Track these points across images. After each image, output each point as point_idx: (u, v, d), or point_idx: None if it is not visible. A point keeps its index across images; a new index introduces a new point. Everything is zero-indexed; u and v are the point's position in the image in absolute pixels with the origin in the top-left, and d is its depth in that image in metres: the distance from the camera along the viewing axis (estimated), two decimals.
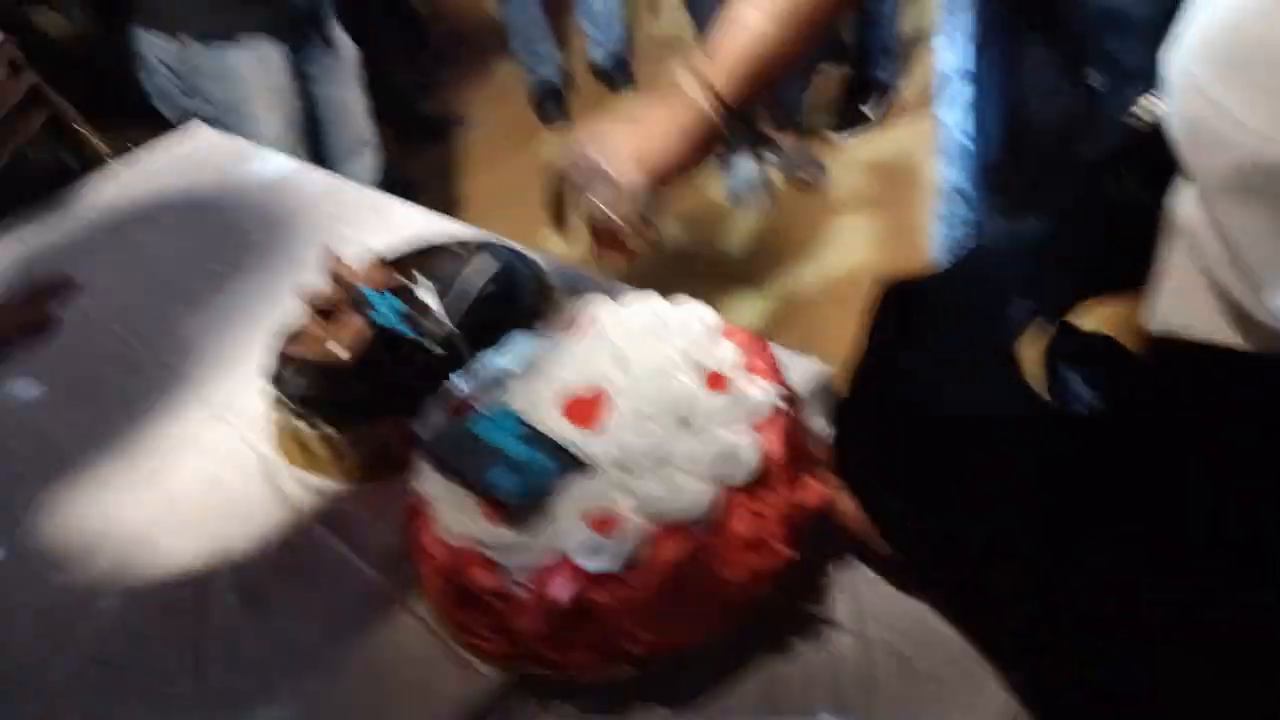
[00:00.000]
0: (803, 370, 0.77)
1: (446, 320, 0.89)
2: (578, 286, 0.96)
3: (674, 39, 3.40)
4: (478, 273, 0.93)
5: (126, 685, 0.71)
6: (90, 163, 1.40)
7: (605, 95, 3.32)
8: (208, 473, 0.87)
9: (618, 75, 3.28)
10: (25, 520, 0.85)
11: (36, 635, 0.76)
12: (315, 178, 1.31)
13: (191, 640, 0.72)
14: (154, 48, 1.76)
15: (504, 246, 0.98)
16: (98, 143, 1.36)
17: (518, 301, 0.90)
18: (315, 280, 0.95)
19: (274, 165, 1.34)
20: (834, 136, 2.81)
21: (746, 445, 0.62)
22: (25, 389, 1.02)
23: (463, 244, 1.00)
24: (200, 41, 1.76)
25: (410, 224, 1.16)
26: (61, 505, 0.87)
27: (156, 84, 1.80)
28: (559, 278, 0.95)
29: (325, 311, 0.90)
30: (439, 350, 0.85)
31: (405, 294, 0.91)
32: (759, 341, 0.71)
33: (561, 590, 0.60)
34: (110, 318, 1.10)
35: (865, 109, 2.83)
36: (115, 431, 0.94)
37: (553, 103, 3.22)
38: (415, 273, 0.94)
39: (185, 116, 1.64)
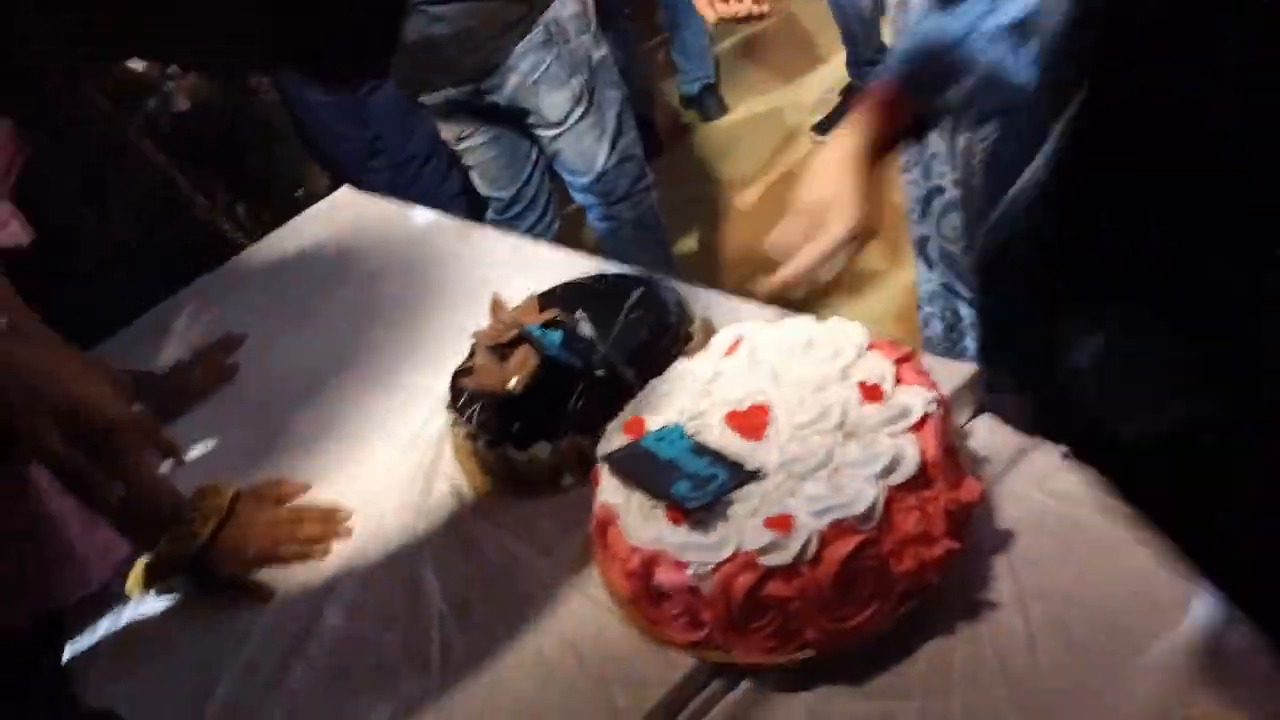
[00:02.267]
0: (948, 372, 0.82)
1: (602, 347, 0.97)
2: (714, 309, 1.04)
3: (751, 52, 3.48)
4: (624, 300, 1.02)
5: (359, 690, 0.80)
6: (250, 232, 1.55)
7: (697, 125, 3.41)
8: (402, 499, 0.97)
9: (710, 104, 3.38)
10: None
11: (273, 649, 0.86)
12: (453, 227, 1.42)
13: (413, 644, 0.82)
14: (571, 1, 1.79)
15: (642, 275, 1.07)
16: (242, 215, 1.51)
17: (663, 324, 0.98)
18: (482, 320, 1.06)
19: (419, 219, 1.46)
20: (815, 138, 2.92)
21: (906, 447, 0.68)
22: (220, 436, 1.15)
23: (603, 275, 1.09)
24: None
25: (550, 263, 1.25)
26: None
27: (573, 50, 1.81)
28: (696, 302, 1.03)
29: (495, 347, 1.00)
30: (600, 373, 0.94)
31: (563, 326, 1.01)
32: (906, 351, 0.77)
33: (743, 583, 0.67)
34: (292, 364, 1.23)
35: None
36: (316, 465, 1.06)
37: (646, 136, 3.33)
38: (569, 306, 1.04)
39: None
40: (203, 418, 1.18)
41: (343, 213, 1.51)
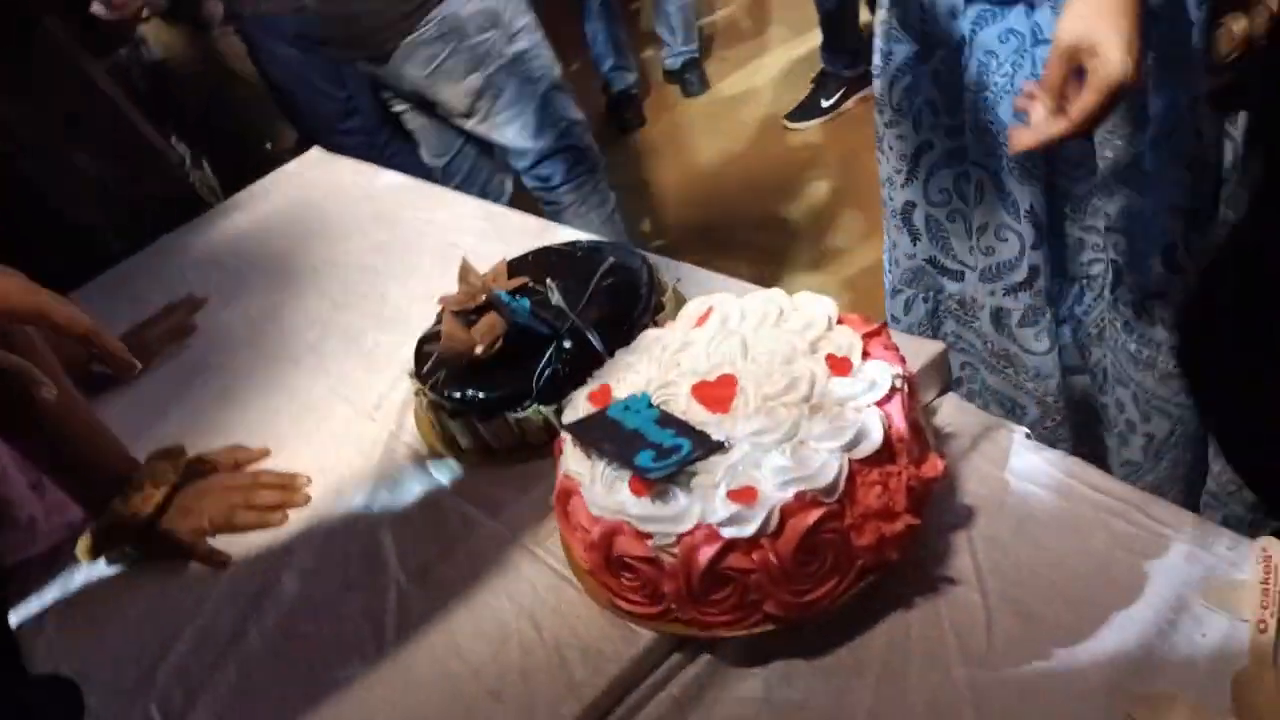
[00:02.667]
0: (916, 349, 0.82)
1: (571, 315, 0.96)
2: (686, 280, 1.03)
3: (735, 26, 3.46)
4: (594, 269, 1.01)
5: (314, 654, 0.79)
6: (217, 189, 1.52)
7: (679, 99, 3.39)
8: (363, 465, 0.96)
9: (692, 79, 3.35)
10: None
11: (230, 611, 0.85)
12: (429, 191, 1.40)
13: (370, 609, 0.81)
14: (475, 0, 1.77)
15: (613, 243, 1.06)
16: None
17: (633, 294, 0.97)
18: (451, 286, 1.04)
19: (390, 181, 1.43)
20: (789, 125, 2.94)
21: (871, 421, 0.68)
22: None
23: (575, 243, 1.08)
24: None
25: (523, 230, 1.24)
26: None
27: (472, 48, 1.79)
28: (668, 273, 1.02)
29: (462, 313, 0.98)
30: (568, 342, 0.93)
31: (532, 293, 0.99)
32: (875, 325, 0.77)
33: (704, 555, 0.67)
34: (255, 327, 1.21)
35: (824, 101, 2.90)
36: (271, 430, 1.04)
37: (631, 110, 3.31)
38: (538, 273, 1.02)
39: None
40: (160, 379, 1.16)
41: (312, 173, 1.48)
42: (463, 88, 1.83)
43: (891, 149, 1.10)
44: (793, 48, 3.35)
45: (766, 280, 0.90)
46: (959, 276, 1.12)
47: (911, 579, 0.71)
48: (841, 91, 2.88)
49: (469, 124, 1.89)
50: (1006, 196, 1.05)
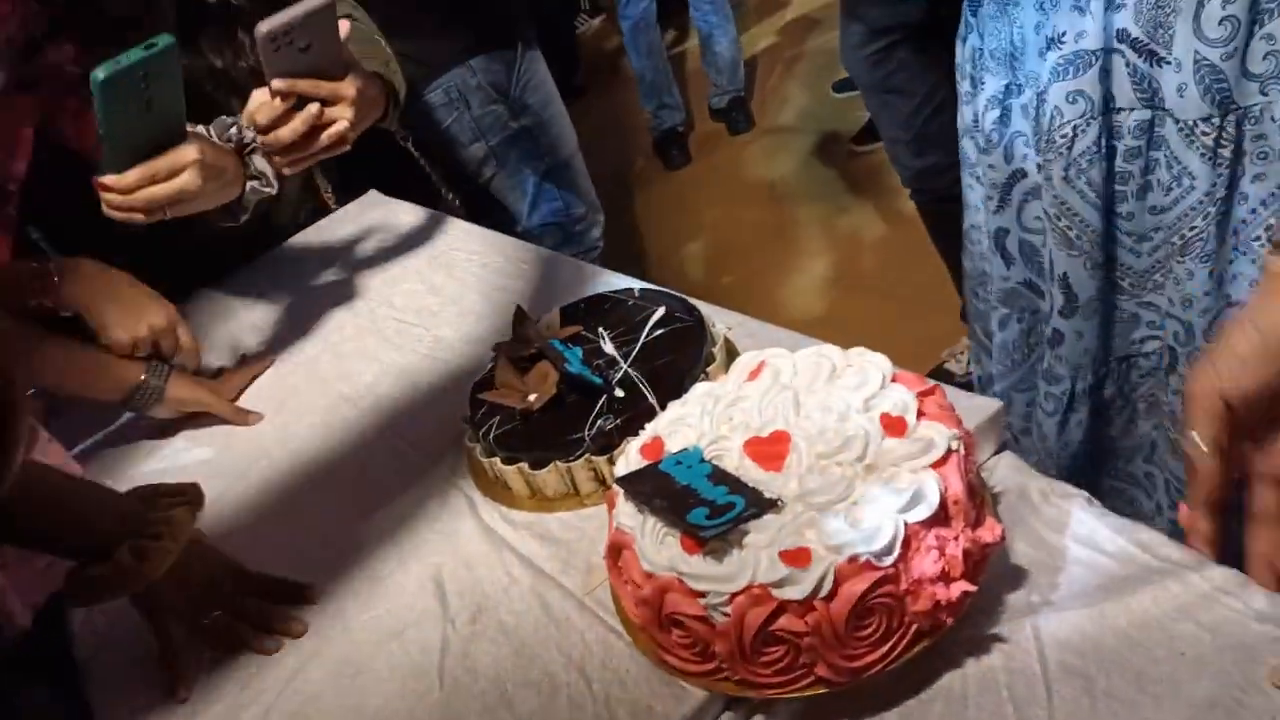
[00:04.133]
0: (971, 407, 0.81)
1: (623, 364, 0.97)
2: (736, 330, 1.03)
3: (784, 88, 3.48)
4: (646, 319, 1.02)
5: (367, 695, 0.80)
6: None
7: (724, 137, 3.42)
8: (415, 507, 0.97)
9: (739, 118, 3.38)
10: (257, 546, 0.97)
11: (283, 653, 0.86)
12: (483, 235, 1.42)
13: (421, 653, 0.81)
14: (483, 74, 1.80)
15: (667, 292, 1.07)
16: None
17: (686, 343, 0.98)
18: (502, 332, 1.06)
19: (444, 223, 1.46)
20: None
21: (928, 483, 0.67)
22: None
23: (629, 291, 1.09)
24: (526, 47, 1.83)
25: (576, 276, 1.25)
26: (288, 536, 0.99)
27: (476, 118, 1.85)
28: (719, 322, 1.02)
29: (516, 361, 0.99)
30: (620, 392, 0.94)
31: (585, 341, 1.00)
32: (930, 385, 0.76)
33: (756, 616, 0.66)
34: (313, 366, 1.23)
35: None
36: (329, 470, 1.06)
37: (677, 148, 3.34)
38: (591, 322, 1.03)
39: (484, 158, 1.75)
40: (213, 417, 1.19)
41: (370, 215, 1.52)
42: (466, 154, 1.88)
43: (981, 177, 1.08)
44: (838, 72, 3.37)
45: (830, 317, 0.90)
46: (1064, 311, 1.07)
47: (968, 645, 0.70)
48: None
49: (474, 185, 1.93)
50: (1050, 251, 1.03)
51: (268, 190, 1.12)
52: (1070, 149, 0.93)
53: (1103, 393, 1.07)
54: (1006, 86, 0.99)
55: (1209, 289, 0.94)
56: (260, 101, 1.05)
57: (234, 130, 1.09)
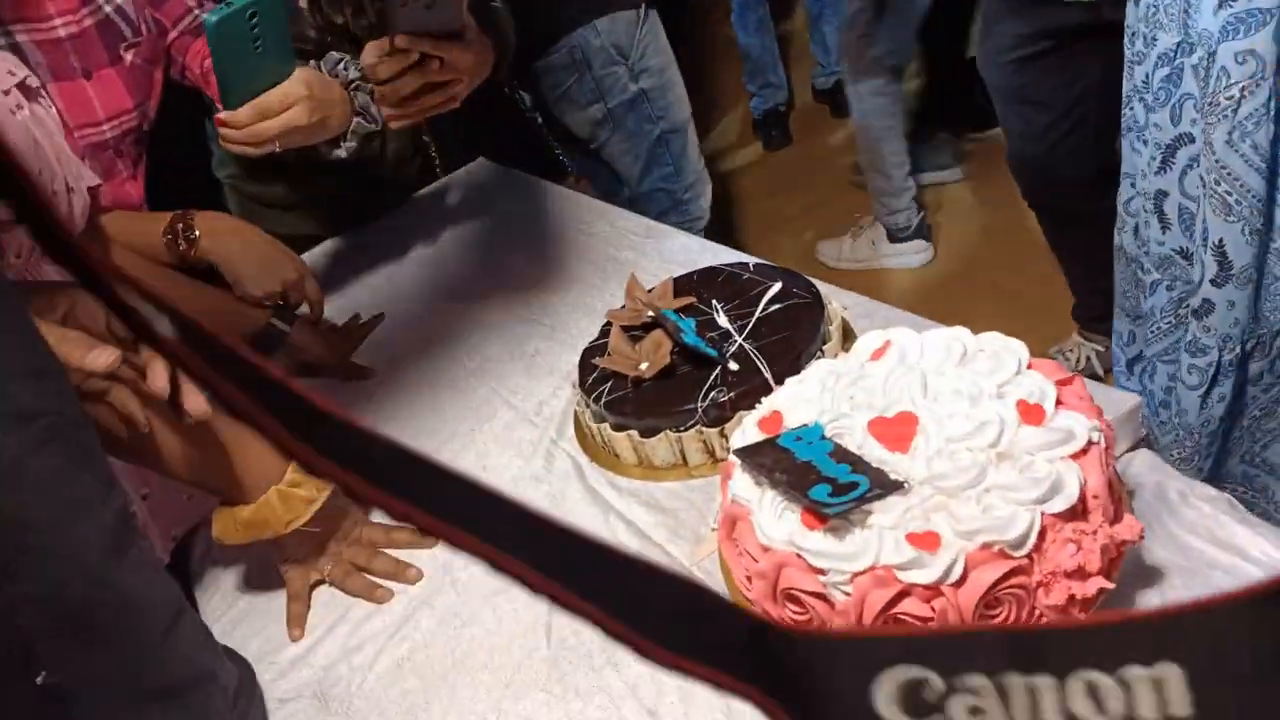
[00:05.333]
0: (1109, 400, 0.78)
1: (737, 337, 0.96)
2: (852, 309, 1.01)
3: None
4: (761, 293, 1.00)
5: (474, 655, 0.81)
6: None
7: (826, 119, 3.35)
8: (522, 468, 0.98)
9: (842, 98, 3.31)
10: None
11: (390, 611, 0.88)
12: (590, 204, 1.42)
13: (522, 616, 0.82)
14: (606, 35, 1.77)
15: (782, 268, 1.05)
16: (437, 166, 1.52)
17: (803, 320, 0.96)
18: (612, 300, 1.05)
19: (551, 191, 1.47)
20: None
21: (1066, 474, 0.65)
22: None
23: (743, 264, 1.07)
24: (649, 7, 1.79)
25: (684, 248, 1.24)
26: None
27: (598, 79, 1.81)
28: (834, 300, 1.00)
29: (629, 329, 0.99)
30: (734, 366, 0.92)
31: (697, 313, 0.99)
32: (1069, 374, 0.73)
33: (880, 597, 0.65)
34: (423, 328, 1.25)
35: None
36: (437, 428, 1.08)
37: (778, 128, 3.29)
38: (705, 294, 1.02)
39: (601, 122, 1.77)
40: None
41: (478, 182, 1.53)
42: (583, 115, 1.85)
43: (1145, 137, 1.06)
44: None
45: (930, 307, 0.87)
46: (1217, 280, 1.06)
47: None
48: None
49: (589, 148, 1.92)
50: (1204, 219, 1.01)
51: (371, 126, 1.14)
52: (1235, 112, 0.92)
53: (1249, 367, 1.06)
54: (1178, 44, 0.98)
55: None
56: (378, 55, 1.06)
57: (340, 66, 1.12)
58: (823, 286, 1.02)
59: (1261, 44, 0.88)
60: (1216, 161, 0.95)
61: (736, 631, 0.24)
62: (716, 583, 0.79)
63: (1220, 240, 0.99)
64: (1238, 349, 1.05)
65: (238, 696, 0.73)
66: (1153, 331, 1.15)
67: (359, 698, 0.81)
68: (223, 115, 1.03)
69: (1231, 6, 0.89)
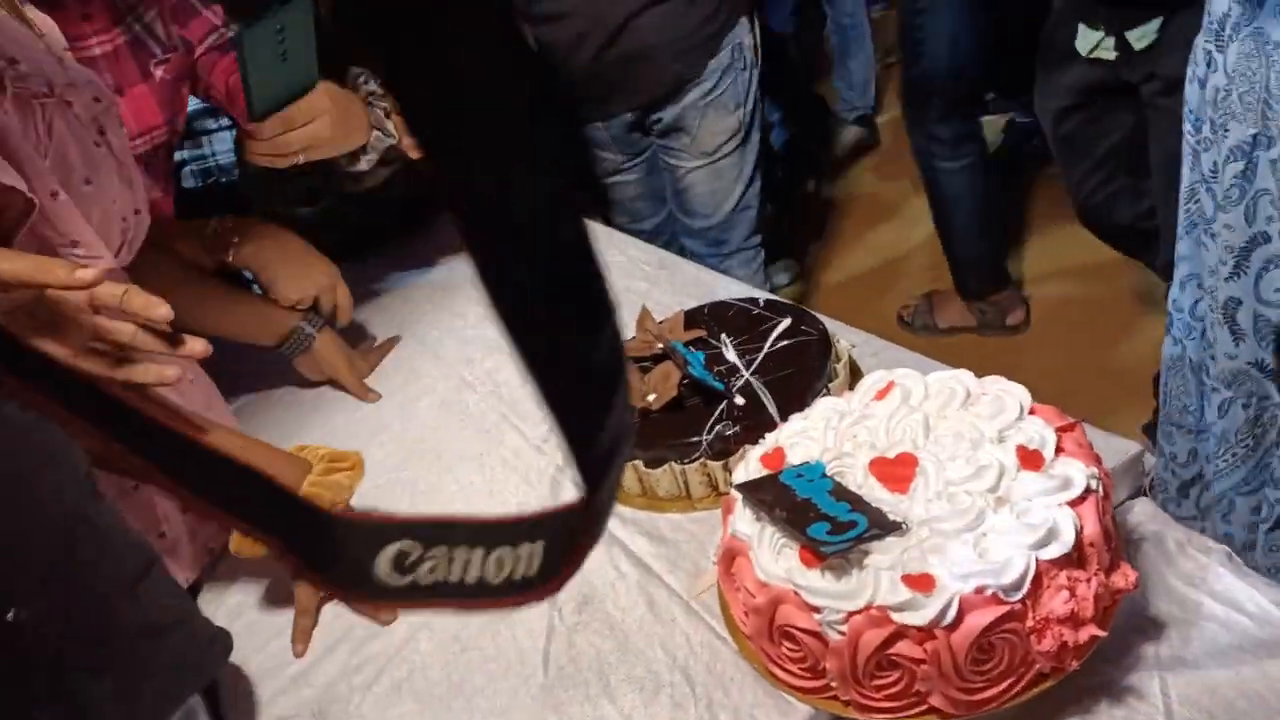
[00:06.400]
0: (1108, 448, 0.79)
1: (745, 372, 0.97)
2: (859, 348, 1.02)
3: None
4: (770, 329, 1.01)
5: (473, 678, 0.82)
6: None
7: (849, 154, 3.37)
8: (529, 494, 0.99)
9: (866, 134, 3.33)
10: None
11: (392, 633, 0.89)
12: (606, 234, 1.44)
13: (528, 644, 0.83)
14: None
15: (790, 305, 1.06)
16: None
17: (809, 357, 0.97)
18: (624, 332, 1.07)
19: None
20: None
21: (1063, 521, 0.65)
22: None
23: (753, 300, 1.09)
24: None
25: (696, 281, 1.26)
26: (405, 511, 1.01)
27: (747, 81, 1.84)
28: (842, 338, 1.01)
29: (638, 360, 1.00)
30: (740, 400, 0.93)
31: (706, 346, 1.01)
32: (1070, 421, 0.74)
33: (874, 637, 0.65)
34: (436, 352, 1.27)
35: None
36: (446, 450, 1.09)
37: (808, 162, 3.31)
38: (714, 328, 1.04)
39: None
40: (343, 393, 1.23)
41: None
42: (728, 122, 1.81)
43: (1216, 236, 0.96)
44: None
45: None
46: None
47: (1091, 691, 0.67)
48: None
49: (695, 166, 1.86)
50: None
51: (390, 140, 1.17)
52: None
53: None
54: (1254, 137, 0.89)
55: None
56: None
57: (361, 80, 1.14)
58: (831, 324, 1.03)
59: None
60: None
61: (276, 502, 0.34)
62: (715, 618, 0.80)
63: None
64: None
65: (213, 642, 0.72)
66: (1226, 461, 1.01)
67: (357, 718, 0.82)
68: (250, 127, 1.06)
69: None
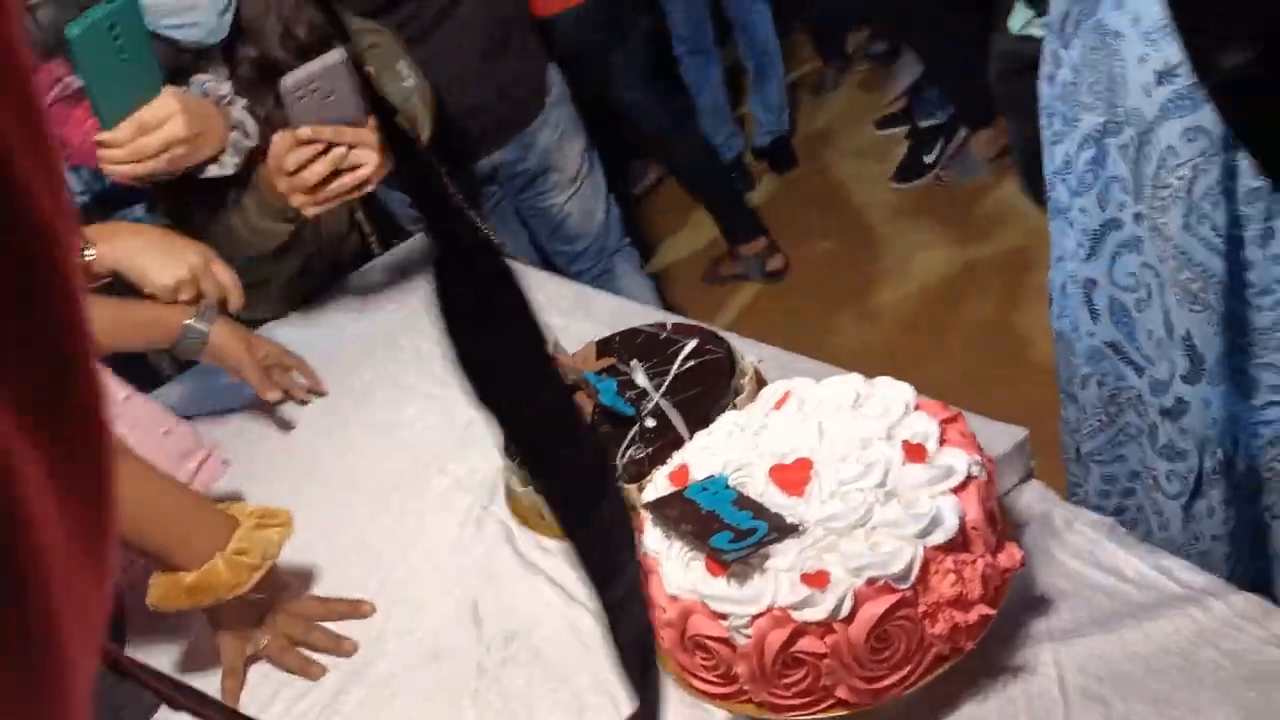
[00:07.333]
0: (995, 435, 0.82)
1: (655, 395, 1.00)
2: (766, 363, 1.05)
3: (830, 131, 3.51)
4: (677, 351, 1.04)
5: (412, 709, 0.83)
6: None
7: (766, 175, 3.45)
8: (456, 535, 1.01)
9: (781, 157, 3.41)
10: (299, 571, 1.01)
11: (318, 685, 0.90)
12: (529, 274, 1.47)
13: (455, 677, 0.84)
14: None
15: (698, 326, 1.09)
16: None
17: (715, 375, 1.00)
18: None
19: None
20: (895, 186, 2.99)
21: (946, 508, 0.69)
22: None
23: (660, 325, 1.12)
24: None
25: (611, 310, 1.29)
26: (329, 560, 1.02)
27: None
28: (749, 354, 1.05)
29: None
30: (651, 423, 0.96)
31: (618, 373, 1.03)
32: (953, 413, 0.78)
33: (776, 638, 0.68)
34: (360, 399, 1.28)
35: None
36: (373, 499, 1.10)
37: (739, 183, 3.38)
38: (625, 355, 1.06)
39: None
40: (261, 422, 1.23)
41: (416, 259, 1.57)
42: (579, 144, 1.95)
43: (1074, 222, 0.98)
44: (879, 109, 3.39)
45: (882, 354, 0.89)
46: (1140, 371, 0.97)
47: (988, 670, 0.70)
48: (940, 143, 2.93)
49: (569, 195, 1.99)
50: (1167, 312, 0.91)
51: (248, 142, 1.18)
52: (1190, 192, 0.84)
53: (1236, 470, 0.93)
54: (1104, 124, 0.91)
55: None
56: (284, 146, 1.11)
57: (208, 86, 1.16)
58: (738, 341, 1.06)
59: (1208, 119, 0.81)
60: (1175, 247, 0.86)
61: None
62: None
63: (1187, 333, 0.89)
64: (1219, 452, 0.93)
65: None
66: (1090, 427, 1.05)
67: None
68: (103, 135, 1.06)
69: (1172, 83, 0.82)
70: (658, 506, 0.79)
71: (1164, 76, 0.82)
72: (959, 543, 0.68)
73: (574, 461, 0.40)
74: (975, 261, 2.63)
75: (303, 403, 1.28)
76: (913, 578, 0.67)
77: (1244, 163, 0.81)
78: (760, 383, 1.02)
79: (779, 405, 0.85)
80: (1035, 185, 1.84)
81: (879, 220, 2.98)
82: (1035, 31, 1.43)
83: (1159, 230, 0.88)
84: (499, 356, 0.37)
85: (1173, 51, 0.80)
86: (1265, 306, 0.85)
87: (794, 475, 0.77)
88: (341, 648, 0.91)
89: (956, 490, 0.71)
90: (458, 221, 0.36)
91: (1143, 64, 0.84)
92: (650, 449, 0.93)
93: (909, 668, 0.67)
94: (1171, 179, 0.85)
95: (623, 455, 0.94)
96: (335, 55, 1.09)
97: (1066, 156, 0.96)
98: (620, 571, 0.40)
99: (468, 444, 1.13)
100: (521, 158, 1.93)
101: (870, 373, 0.85)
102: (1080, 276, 0.99)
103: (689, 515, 0.77)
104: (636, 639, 0.36)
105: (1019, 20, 1.49)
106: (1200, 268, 0.86)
